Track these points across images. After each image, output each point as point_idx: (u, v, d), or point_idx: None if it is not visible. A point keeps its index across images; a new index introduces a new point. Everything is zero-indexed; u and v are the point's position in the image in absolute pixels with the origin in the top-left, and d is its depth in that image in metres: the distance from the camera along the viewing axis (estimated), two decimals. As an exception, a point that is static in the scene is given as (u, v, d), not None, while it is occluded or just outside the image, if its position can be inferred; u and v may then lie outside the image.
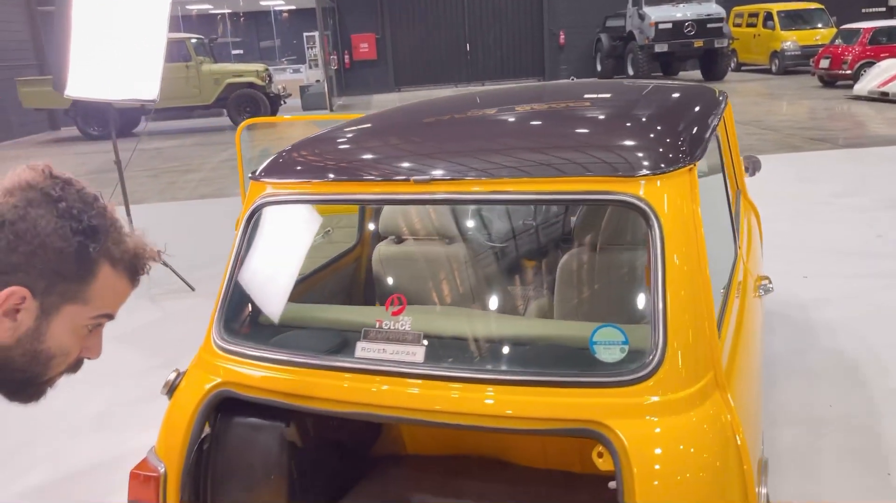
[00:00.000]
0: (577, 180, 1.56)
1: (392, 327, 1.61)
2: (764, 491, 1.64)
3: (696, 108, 2.09)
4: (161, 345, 4.34)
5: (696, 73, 21.10)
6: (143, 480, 1.74)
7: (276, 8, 22.98)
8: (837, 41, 16.10)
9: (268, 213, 1.93)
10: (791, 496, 2.53)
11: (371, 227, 2.76)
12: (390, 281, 2.45)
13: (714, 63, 19.54)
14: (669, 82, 2.67)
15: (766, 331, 3.84)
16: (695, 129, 1.84)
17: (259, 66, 16.01)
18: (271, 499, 1.75)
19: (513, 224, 2.67)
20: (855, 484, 2.59)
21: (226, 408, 1.79)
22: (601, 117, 2.01)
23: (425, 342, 1.56)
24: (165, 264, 5.20)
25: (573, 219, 2.83)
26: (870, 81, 13.64)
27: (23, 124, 17.15)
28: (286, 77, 21.13)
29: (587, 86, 2.71)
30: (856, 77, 14.78)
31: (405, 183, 1.68)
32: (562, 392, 1.45)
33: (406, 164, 1.73)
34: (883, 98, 13.08)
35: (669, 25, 18.77)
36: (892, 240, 5.36)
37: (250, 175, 1.99)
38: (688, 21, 18.76)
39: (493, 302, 2.41)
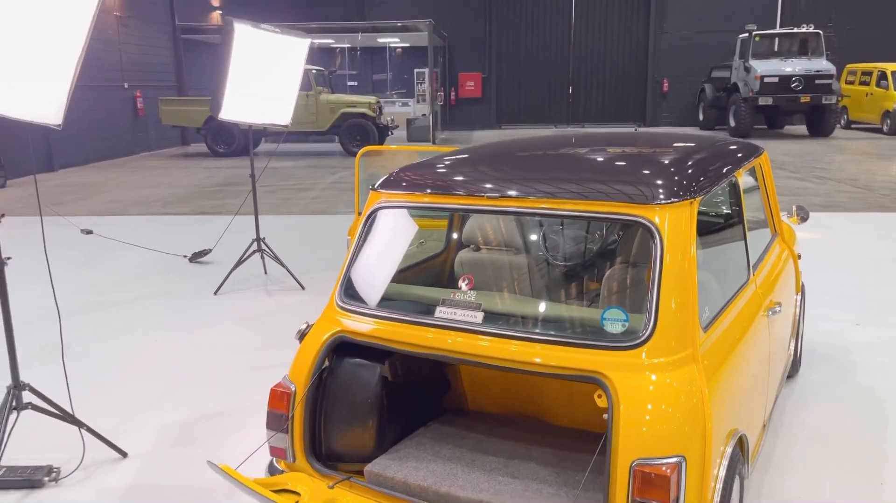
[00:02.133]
0: (605, 204, 2.18)
1: (462, 298, 2.28)
2: (728, 450, 2.14)
3: (716, 157, 2.66)
4: (275, 330, 5.15)
5: (802, 129, 20.91)
6: (279, 395, 2.45)
7: (392, 44, 24.45)
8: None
9: (381, 215, 2.64)
10: (791, 494, 2.98)
11: (454, 236, 3.44)
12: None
13: (821, 119, 19.36)
14: (712, 135, 3.25)
15: (807, 366, 4.24)
16: (705, 173, 2.41)
17: (371, 99, 17.22)
18: (367, 417, 2.43)
19: (567, 240, 3.29)
20: (850, 488, 3.01)
21: (340, 349, 2.48)
22: (636, 160, 2.61)
23: (484, 310, 2.22)
24: (283, 265, 6.08)
25: (610, 240, 3.43)
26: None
27: (159, 139, 19.09)
28: (395, 109, 22.41)
29: (641, 135, 3.31)
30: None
31: (485, 198, 2.35)
32: (578, 350, 2.06)
33: (485, 185, 2.39)
34: None
35: (776, 79, 18.79)
36: (956, 299, 5.56)
37: (371, 187, 2.72)
38: (795, 76, 18.73)
39: (541, 296, 3.04)
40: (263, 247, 6.28)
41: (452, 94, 24.58)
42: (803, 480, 3.08)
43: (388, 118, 17.73)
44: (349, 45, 24.40)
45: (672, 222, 2.13)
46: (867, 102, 20.67)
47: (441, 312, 2.28)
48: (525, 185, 2.33)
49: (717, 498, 2.02)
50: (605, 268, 2.91)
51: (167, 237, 8.22)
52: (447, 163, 2.79)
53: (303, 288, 6.11)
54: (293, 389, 2.45)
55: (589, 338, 2.10)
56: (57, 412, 3.27)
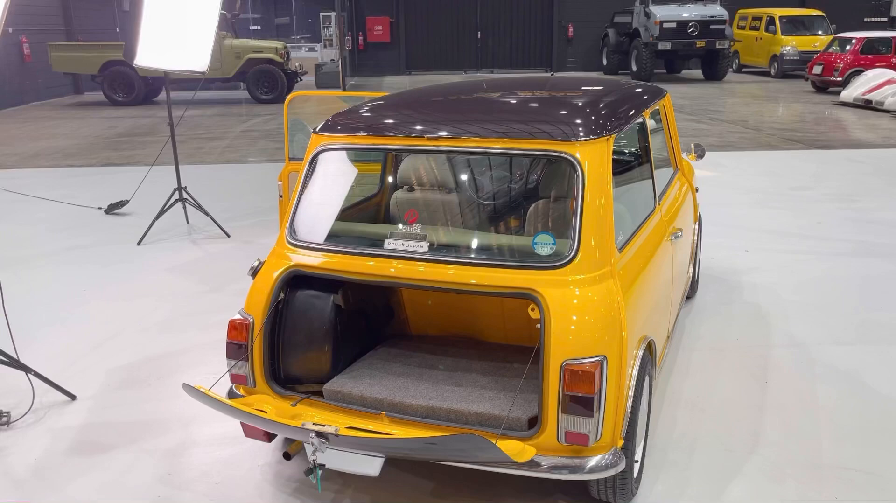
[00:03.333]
0: (535, 142, 2.45)
1: (409, 230, 2.51)
2: (640, 353, 2.50)
3: (626, 99, 2.98)
4: (207, 277, 5.23)
5: (698, 73, 21.91)
6: (237, 326, 2.63)
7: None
8: (832, 49, 16.88)
9: (323, 157, 2.82)
10: (689, 394, 3.43)
11: (389, 179, 3.65)
12: (403, 216, 3.35)
13: (715, 63, 20.33)
14: (620, 79, 3.57)
15: (703, 288, 4.74)
16: (617, 113, 2.72)
17: (278, 44, 16.80)
18: (322, 342, 2.66)
19: (493, 181, 3.58)
20: (740, 388, 3.49)
21: (293, 282, 2.68)
22: (554, 102, 2.88)
23: (429, 241, 2.47)
24: (206, 214, 6.11)
25: (531, 180, 3.73)
26: (856, 89, 14.47)
27: (49, 87, 17.99)
28: (301, 55, 21.93)
29: (552, 79, 3.60)
30: (846, 84, 15.60)
31: (421, 138, 2.56)
32: (513, 271, 2.35)
33: (419, 127, 2.61)
34: (867, 105, 13.91)
35: (673, 24, 19.54)
36: (829, 225, 6.25)
37: (312, 130, 2.88)
38: (691, 21, 19.53)
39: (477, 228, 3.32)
40: (185, 196, 6.27)
41: (360, 38, 24.21)
42: (700, 382, 3.55)
43: (297, 64, 17.39)
44: (251, -13, 23.51)
45: (591, 157, 2.42)
46: (757, 47, 21.82)
47: (389, 244, 2.51)
48: (457, 126, 2.56)
49: (631, 392, 2.38)
50: (528, 203, 3.21)
51: (77, 190, 7.99)
52: (381, 108, 2.97)
53: (228, 236, 6.17)
54: (251, 320, 2.63)
55: (522, 261, 2.38)
56: (3, 358, 3.32)
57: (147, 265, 5.52)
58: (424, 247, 2.46)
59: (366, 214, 3.50)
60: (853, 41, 16.27)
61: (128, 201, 7.04)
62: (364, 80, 22.05)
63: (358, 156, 3.18)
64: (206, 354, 3.97)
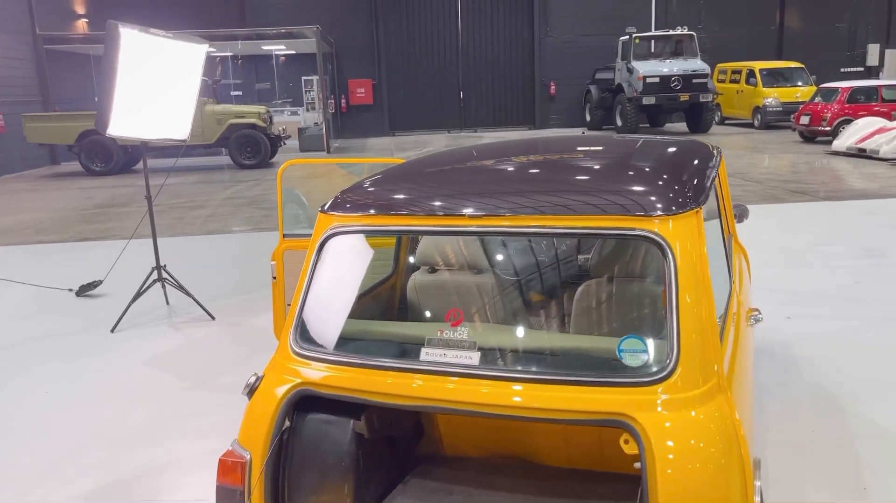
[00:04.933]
0: (603, 218, 1.92)
1: (451, 336, 1.95)
2: (758, 484, 1.96)
3: (698, 161, 2.48)
4: (189, 369, 4.60)
5: (682, 126, 21.89)
6: (231, 466, 2.03)
7: (277, 52, 23.63)
8: (817, 99, 16.85)
9: (335, 243, 2.27)
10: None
11: (404, 258, 3.11)
12: (425, 305, 2.79)
13: (699, 116, 20.30)
14: (671, 138, 3.06)
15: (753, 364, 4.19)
16: (698, 178, 2.21)
17: (260, 108, 16.47)
18: (341, 482, 2.06)
19: (536, 259, 3.02)
20: (837, 496, 2.92)
21: (301, 404, 2.10)
22: (625, 167, 2.37)
23: (480, 348, 1.90)
24: (188, 294, 5.51)
25: (581, 258, 3.19)
26: (848, 138, 14.32)
27: (25, 158, 17.46)
28: (284, 119, 21.64)
29: (604, 139, 3.07)
30: (834, 133, 15.50)
31: (460, 217, 2.03)
32: (597, 390, 1.79)
33: (461, 202, 2.08)
34: (860, 154, 13.73)
35: (657, 79, 19.55)
36: (868, 284, 5.77)
37: (321, 209, 2.34)
38: (674, 76, 19.56)
39: (518, 324, 2.74)
40: (165, 275, 5.68)
41: (343, 101, 24.06)
42: (791, 492, 2.97)
43: (280, 128, 17.05)
44: (231, 53, 23.34)
45: (683, 235, 1.90)
46: (738, 99, 21.92)
47: (428, 355, 1.94)
48: (501, 201, 2.03)
49: None
50: (573, 286, 2.67)
51: (46, 269, 7.36)
52: (402, 179, 2.45)
53: (212, 318, 5.56)
54: (247, 458, 2.04)
55: (606, 375, 1.83)
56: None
57: (121, 357, 4.89)
58: (475, 358, 1.90)
59: (378, 304, 2.95)
60: (839, 91, 16.24)
61: (101, 282, 6.43)
62: (348, 143, 21.76)
63: (384, 236, 2.65)
64: (190, 473, 3.33)
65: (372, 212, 2.18)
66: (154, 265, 5.66)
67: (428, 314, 2.74)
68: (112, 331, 5.36)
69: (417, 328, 2.20)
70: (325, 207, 2.30)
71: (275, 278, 3.92)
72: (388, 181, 2.39)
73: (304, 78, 23.26)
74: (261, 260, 7.50)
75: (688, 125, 21.00)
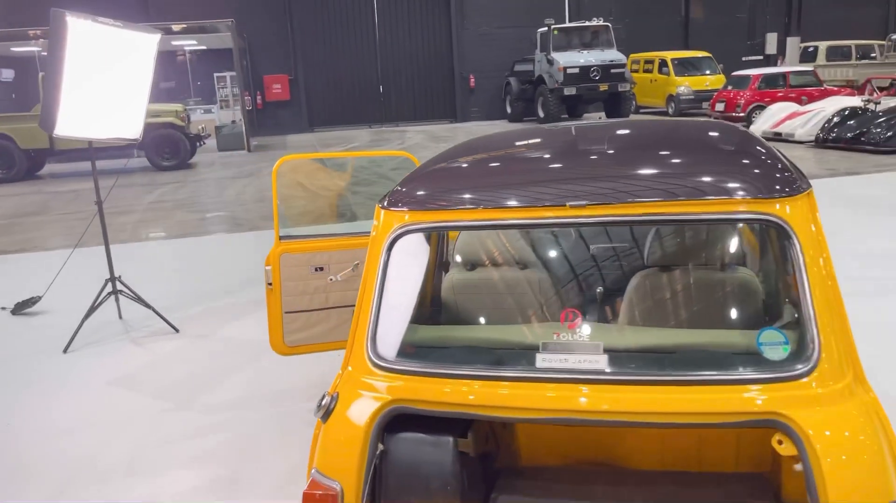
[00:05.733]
0: (722, 202, 1.79)
1: (571, 339, 1.77)
2: None
3: (764, 144, 2.39)
4: (164, 388, 4.22)
5: (599, 115, 22.38)
6: (321, 499, 1.79)
7: (188, 47, 22.58)
8: (730, 86, 17.55)
9: (404, 242, 2.05)
10: None
11: (436, 257, 2.89)
12: (468, 306, 2.59)
13: (618, 105, 20.79)
14: (706, 120, 2.95)
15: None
16: (788, 159, 2.12)
17: (177, 107, 15.66)
18: (448, 507, 1.85)
19: (588, 249, 2.86)
20: None
21: (390, 424, 1.87)
22: (715, 150, 2.24)
23: (606, 351, 1.74)
24: (148, 306, 5.09)
25: (619, 245, 3.05)
26: (763, 123, 14.97)
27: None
28: (198, 117, 20.71)
29: (652, 124, 2.85)
30: (748, 119, 16.18)
31: (558, 208, 1.85)
32: (741, 388, 1.66)
33: (556, 190, 1.90)
34: (776, 138, 14.37)
35: (577, 70, 19.88)
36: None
37: (381, 205, 2.11)
38: (593, 66, 19.94)
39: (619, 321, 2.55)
40: (121, 286, 5.22)
41: (258, 97, 23.27)
42: None
43: (200, 126, 16.27)
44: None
45: (805, 217, 1.80)
46: (652, 88, 22.57)
47: (545, 361, 1.76)
48: (612, 188, 1.87)
49: None
50: (624, 277, 2.52)
51: (-32, 286, 6.66)
52: (478, 164, 2.23)
53: (176, 330, 5.15)
54: (338, 489, 1.80)
55: (751, 371, 1.70)
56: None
57: (82, 380, 4.44)
58: (602, 362, 1.73)
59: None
60: (751, 78, 16.97)
61: (40, 297, 5.86)
62: (266, 141, 21.05)
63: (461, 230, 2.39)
64: (204, 504, 3.01)
65: (454, 205, 1.96)
66: (108, 276, 5.19)
67: (478, 316, 2.55)
68: (65, 351, 4.88)
69: (516, 332, 2.01)
70: (390, 202, 2.07)
71: (270, 285, 3.62)
72: (457, 169, 2.18)
73: (216, 74, 22.35)
74: (215, 265, 7.07)
75: (607, 114, 21.46)
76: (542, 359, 1.76)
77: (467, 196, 1.94)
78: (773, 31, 24.54)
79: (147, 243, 8.37)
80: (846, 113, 13.20)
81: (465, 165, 2.22)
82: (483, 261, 2.62)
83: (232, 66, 18.94)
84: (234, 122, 19.66)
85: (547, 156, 2.26)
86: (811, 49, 22.84)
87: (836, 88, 17.30)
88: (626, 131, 2.53)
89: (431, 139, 19.17)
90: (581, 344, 1.77)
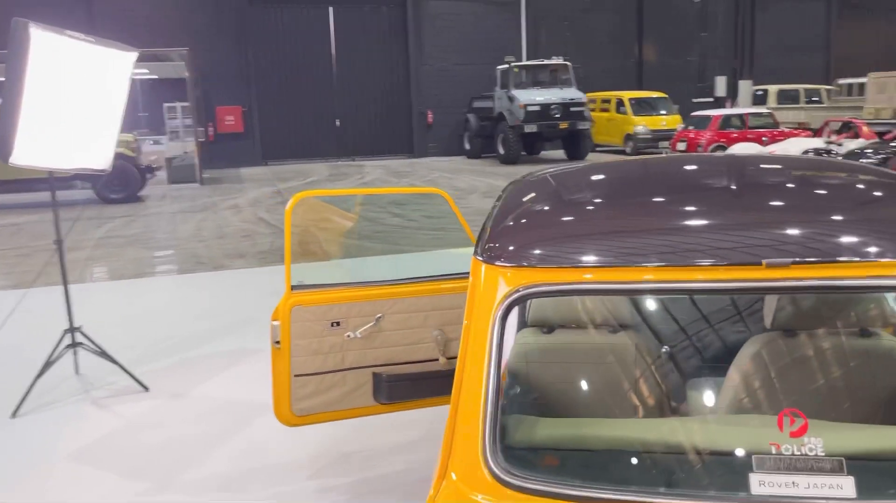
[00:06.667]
0: None
1: (796, 451, 1.31)
2: None
3: None
4: (138, 462, 3.58)
5: (558, 153, 22.37)
6: None
7: (139, 76, 21.72)
8: (690, 127, 17.72)
9: (525, 307, 1.57)
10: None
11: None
12: (545, 380, 2.10)
13: (578, 144, 20.81)
14: (835, 160, 2.58)
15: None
16: None
17: (128, 136, 14.79)
18: None
19: (700, 309, 2.41)
20: None
21: None
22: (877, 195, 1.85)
23: (850, 469, 1.27)
24: (114, 362, 4.45)
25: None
26: (727, 163, 15.06)
27: None
28: (147, 148, 19.83)
29: (789, 160, 2.40)
30: (710, 159, 16.30)
31: (751, 268, 1.41)
32: None
33: (745, 242, 1.45)
34: (740, 178, 14.44)
35: (538, 108, 19.84)
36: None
37: (483, 257, 1.63)
38: (553, 104, 19.95)
39: (698, 407, 2.09)
40: (82, 337, 4.54)
41: (210, 129, 22.48)
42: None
43: (151, 158, 15.45)
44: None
45: None
46: (609, 127, 22.77)
47: (764, 485, 1.28)
48: (819, 240, 1.43)
49: None
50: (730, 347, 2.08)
51: None
52: (611, 201, 1.78)
53: (146, 389, 4.49)
54: None
55: None
56: None
57: (38, 451, 3.75)
58: (847, 487, 1.26)
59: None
60: (711, 118, 17.17)
61: (-19, 349, 5.11)
62: (219, 173, 20.25)
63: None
64: None
65: (608, 262, 1.49)
66: (66, 327, 4.51)
67: (571, 397, 2.06)
68: (13, 415, 4.17)
69: (685, 430, 1.53)
70: (500, 254, 1.59)
71: (278, 343, 3.07)
72: (586, 209, 1.71)
73: (166, 104, 21.55)
74: (181, 310, 6.41)
75: (566, 153, 21.46)
76: (758, 483, 1.28)
77: (626, 248, 1.48)
78: (722, 75, 25.19)
79: (99, 284, 7.62)
80: (811, 154, 13.33)
81: (592, 205, 1.76)
82: (567, 319, 2.15)
83: (182, 95, 18.24)
84: (185, 153, 18.85)
85: (694, 198, 1.81)
86: (760, 92, 23.47)
87: (792, 130, 17.64)
88: (754, 168, 2.10)
89: (391, 174, 18.76)
90: (814, 460, 1.30)
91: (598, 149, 23.56)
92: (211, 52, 21.93)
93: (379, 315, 3.12)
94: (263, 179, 18.51)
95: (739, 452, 1.36)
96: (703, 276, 1.43)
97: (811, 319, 1.95)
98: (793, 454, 1.32)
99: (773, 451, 1.33)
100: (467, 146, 23.10)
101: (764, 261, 1.40)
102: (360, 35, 23.80)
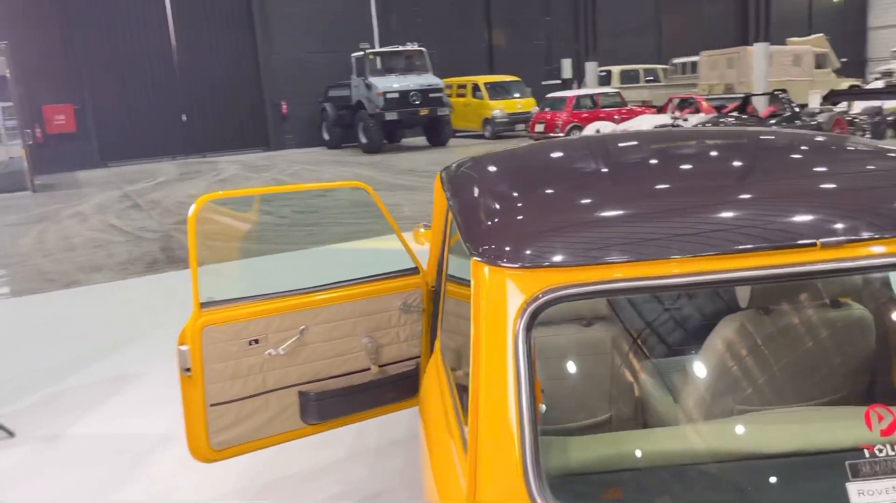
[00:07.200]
0: None
1: (891, 453, 1.17)
2: None
3: None
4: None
5: (419, 140, 22.32)
6: None
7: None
8: (547, 108, 18.21)
9: (543, 319, 1.34)
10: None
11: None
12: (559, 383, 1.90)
13: (438, 130, 20.87)
14: (816, 132, 2.45)
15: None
16: None
17: (-59, 142, 13.04)
18: None
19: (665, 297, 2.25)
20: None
21: None
22: None
23: None
24: (-32, 406, 3.77)
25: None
26: (585, 142, 15.62)
27: None
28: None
29: (792, 136, 2.28)
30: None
31: (804, 250, 1.27)
32: None
33: (795, 222, 1.31)
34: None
35: (396, 95, 19.63)
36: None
37: (486, 258, 1.39)
38: (412, 91, 19.82)
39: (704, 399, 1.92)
40: (-79, 385, 3.80)
41: (38, 130, 20.35)
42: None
43: (-28, 166, 13.69)
44: None
45: None
46: (467, 112, 23.00)
47: (865, 495, 1.13)
48: (866, 217, 1.31)
49: None
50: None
51: None
52: (623, 179, 1.58)
53: (11, 434, 3.84)
54: None
55: None
56: None
57: None
58: None
59: None
60: (566, 100, 17.74)
61: None
62: (53, 179, 18.39)
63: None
64: None
65: (634, 255, 1.30)
66: None
67: (566, 402, 1.86)
68: None
69: (760, 434, 1.34)
70: (509, 254, 1.35)
71: (188, 371, 2.66)
72: (599, 190, 1.51)
73: (-21, 105, 19.20)
74: (36, 336, 5.63)
75: (427, 139, 21.45)
76: (857, 493, 1.13)
77: (663, 237, 1.29)
78: (567, 57, 26.17)
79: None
80: (663, 128, 14.09)
81: (603, 190, 1.55)
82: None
83: (3, 95, 16.29)
84: (11, 158, 16.90)
85: (715, 177, 1.64)
86: (604, 73, 24.63)
87: (638, 108, 18.60)
88: (754, 143, 1.97)
89: (249, 169, 17.89)
90: None
91: (457, 134, 23.77)
92: (27, 46, 19.80)
93: (302, 327, 2.79)
94: (106, 183, 17.02)
95: (827, 457, 1.21)
96: (752, 263, 1.27)
97: (784, 296, 1.89)
98: (887, 456, 1.19)
99: (867, 455, 1.19)
100: (326, 136, 22.52)
101: (819, 241, 1.26)
102: (202, 22, 22.44)
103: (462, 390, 1.76)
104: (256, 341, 2.74)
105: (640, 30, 29.67)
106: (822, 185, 1.49)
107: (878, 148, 1.77)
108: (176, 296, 6.29)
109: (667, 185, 1.55)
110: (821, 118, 13.82)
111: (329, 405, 2.91)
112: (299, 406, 2.86)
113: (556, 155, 1.95)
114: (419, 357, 3.01)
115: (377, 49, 20.97)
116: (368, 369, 2.93)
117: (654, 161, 1.79)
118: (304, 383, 2.85)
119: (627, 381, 1.90)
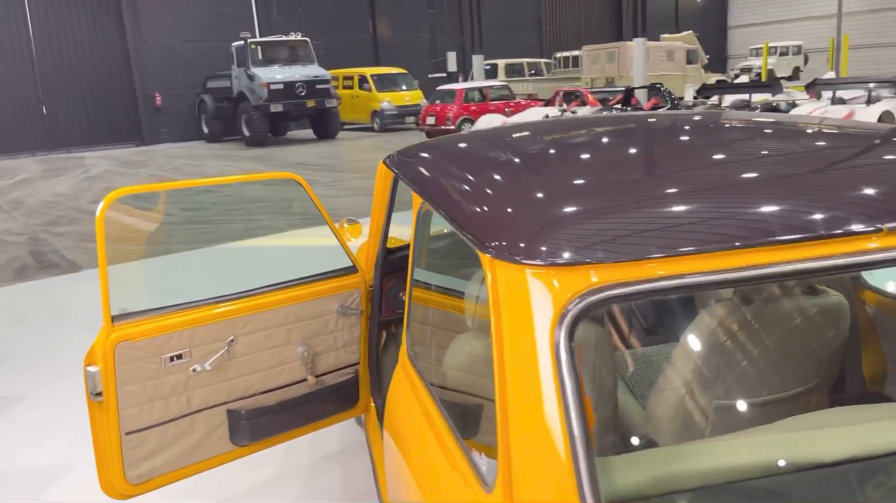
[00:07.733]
0: None
1: None
2: None
3: None
4: None
5: (306, 133, 21.68)
6: None
7: None
8: (437, 101, 18.14)
9: (590, 325, 1.16)
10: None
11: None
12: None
13: (326, 122, 20.34)
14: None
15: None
16: None
17: None
18: None
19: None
20: None
21: None
22: None
23: None
24: None
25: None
26: (477, 134, 15.67)
27: None
28: None
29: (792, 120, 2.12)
30: (458, 130, 16.85)
31: (867, 237, 1.14)
32: None
33: (853, 206, 1.18)
34: (491, 147, 15.12)
35: (281, 86, 18.94)
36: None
37: (511, 256, 1.18)
38: (298, 82, 19.19)
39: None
40: None
41: None
42: None
43: None
44: None
45: None
46: (354, 104, 22.60)
47: None
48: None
49: None
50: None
51: None
52: (656, 164, 1.40)
53: None
54: None
55: None
56: None
57: None
58: None
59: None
60: (456, 92, 17.73)
61: None
62: None
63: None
64: None
65: (691, 246, 1.13)
66: None
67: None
68: None
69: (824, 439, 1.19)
70: (547, 250, 1.15)
71: (99, 395, 2.28)
72: (633, 177, 1.32)
73: None
74: None
75: (315, 132, 20.87)
76: None
77: (719, 224, 1.13)
78: (452, 51, 26.25)
79: None
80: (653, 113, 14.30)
81: (636, 171, 1.37)
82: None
83: None
84: None
85: (757, 158, 1.47)
86: (489, 67, 24.89)
87: (525, 101, 18.89)
88: (773, 127, 1.83)
89: (123, 165, 16.69)
90: None
91: (345, 127, 23.28)
92: None
93: (230, 338, 2.47)
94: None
95: (884, 461, 1.10)
96: (815, 253, 1.13)
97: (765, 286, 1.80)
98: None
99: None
100: (205, 129, 21.42)
101: (885, 227, 1.14)
102: (63, 8, 20.71)
103: (446, 400, 1.54)
104: (179, 356, 2.40)
105: (522, 24, 30.24)
106: (874, 170, 1.39)
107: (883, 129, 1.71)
108: (53, 305, 5.65)
109: (709, 170, 1.40)
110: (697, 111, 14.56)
111: (262, 423, 2.60)
112: (228, 426, 2.54)
113: (562, 135, 1.76)
114: (358, 364, 2.76)
115: (259, 39, 20.10)
116: (304, 380, 2.65)
117: (684, 138, 1.64)
118: (233, 401, 2.54)
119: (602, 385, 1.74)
